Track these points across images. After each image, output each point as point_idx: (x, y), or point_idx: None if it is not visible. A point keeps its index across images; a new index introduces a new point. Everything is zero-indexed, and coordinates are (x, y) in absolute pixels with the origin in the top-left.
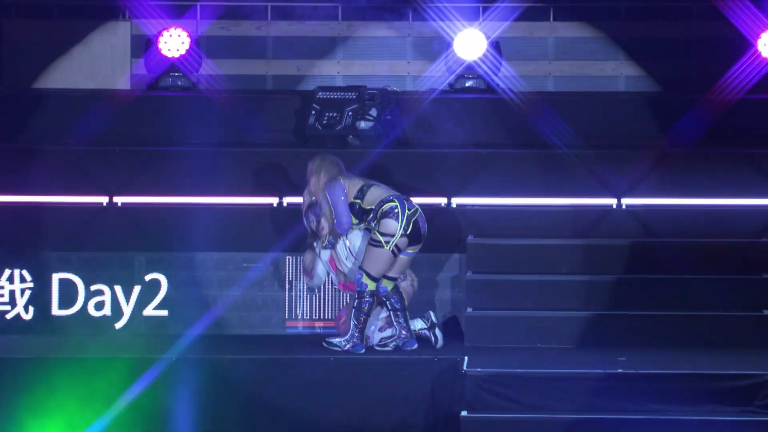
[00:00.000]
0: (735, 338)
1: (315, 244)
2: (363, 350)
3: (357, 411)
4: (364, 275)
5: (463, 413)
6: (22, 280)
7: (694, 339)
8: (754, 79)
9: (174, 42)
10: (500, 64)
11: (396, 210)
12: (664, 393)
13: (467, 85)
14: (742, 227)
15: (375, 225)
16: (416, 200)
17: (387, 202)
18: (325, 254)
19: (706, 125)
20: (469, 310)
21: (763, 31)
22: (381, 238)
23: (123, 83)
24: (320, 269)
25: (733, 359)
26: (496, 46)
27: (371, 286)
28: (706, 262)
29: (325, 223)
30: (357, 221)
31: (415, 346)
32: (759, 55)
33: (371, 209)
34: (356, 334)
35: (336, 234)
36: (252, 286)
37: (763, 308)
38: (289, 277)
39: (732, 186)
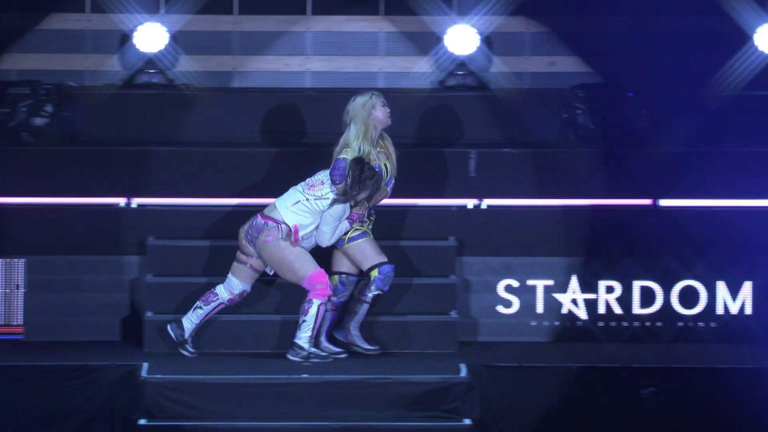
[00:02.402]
0: (419, 342)
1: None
2: None
3: (30, 421)
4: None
5: (142, 421)
6: None
7: (380, 343)
8: None
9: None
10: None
11: None
12: (349, 399)
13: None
14: (428, 227)
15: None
16: (95, 200)
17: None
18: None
19: None
20: (149, 314)
21: None
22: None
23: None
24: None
25: (418, 364)
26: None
27: None
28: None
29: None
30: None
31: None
32: None
33: None
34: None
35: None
36: None
37: (451, 311)
38: None
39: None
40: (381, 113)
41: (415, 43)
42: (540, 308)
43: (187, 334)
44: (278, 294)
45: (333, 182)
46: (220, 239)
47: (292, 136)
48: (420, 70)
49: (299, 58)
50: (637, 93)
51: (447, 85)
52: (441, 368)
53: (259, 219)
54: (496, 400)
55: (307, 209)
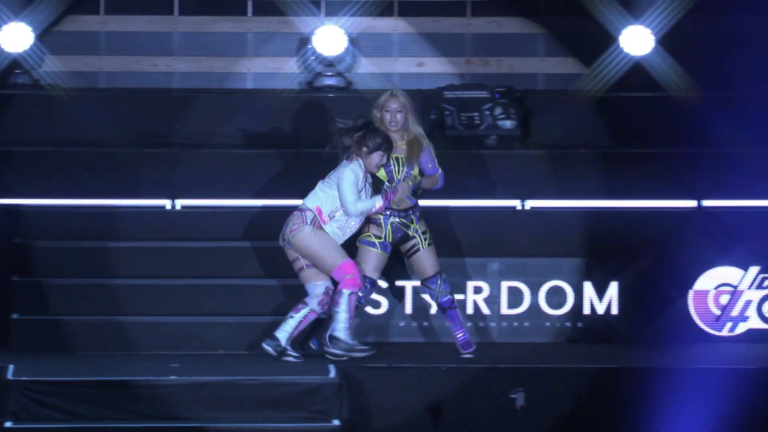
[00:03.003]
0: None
1: None
2: None
3: None
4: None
5: (8, 424)
6: None
7: (249, 344)
8: None
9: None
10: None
11: None
12: (218, 400)
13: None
14: None
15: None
16: None
17: None
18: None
19: None
20: (16, 315)
21: None
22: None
23: None
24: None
25: (290, 365)
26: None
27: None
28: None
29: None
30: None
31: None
32: None
33: None
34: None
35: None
36: None
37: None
38: None
39: None
40: (382, 115)
41: (284, 43)
42: (409, 309)
43: (284, 343)
44: (155, 296)
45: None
46: (87, 240)
47: (160, 137)
48: (289, 71)
49: (167, 59)
50: (504, 94)
51: (315, 85)
52: (310, 370)
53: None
54: (365, 401)
55: (327, 188)
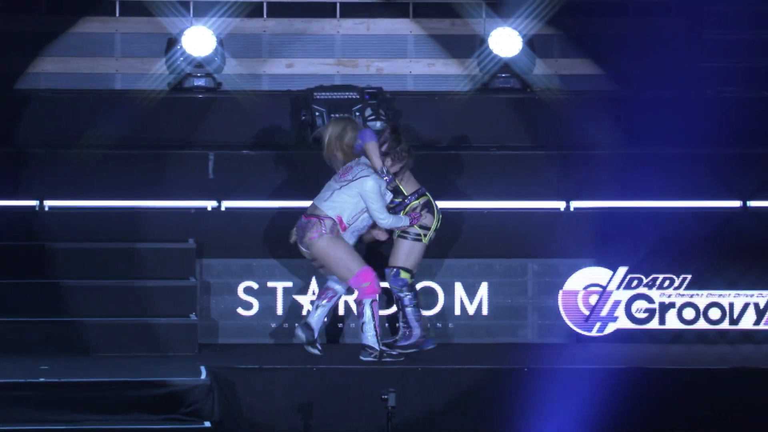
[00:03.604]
0: (160, 345)
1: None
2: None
3: None
4: (402, 271)
5: None
6: None
7: (120, 345)
8: None
9: None
10: None
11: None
12: (87, 401)
13: None
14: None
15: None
16: None
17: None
18: None
19: None
20: None
21: None
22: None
23: None
24: None
25: (160, 366)
26: None
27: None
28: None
29: None
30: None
31: (433, 345)
32: None
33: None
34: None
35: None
36: None
37: (191, 313)
38: None
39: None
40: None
41: (152, 45)
42: (280, 310)
43: (316, 335)
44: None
45: (363, 139)
46: None
47: (27, 138)
48: (157, 72)
49: (34, 60)
50: (374, 95)
51: (184, 86)
52: (181, 371)
53: (302, 219)
54: (236, 402)
55: (346, 196)
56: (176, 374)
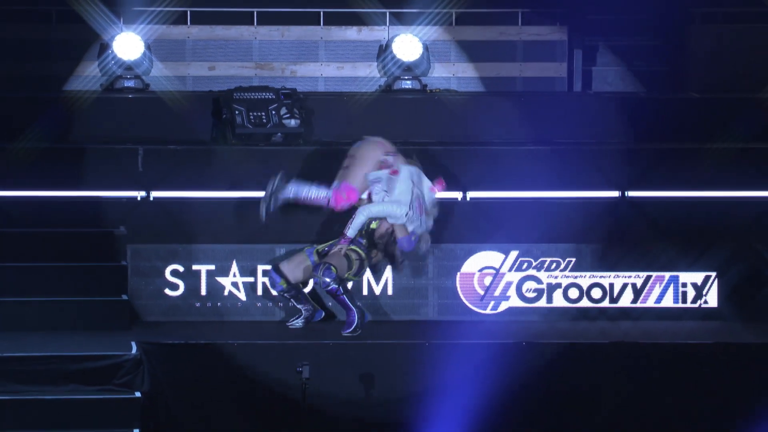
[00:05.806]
0: (96, 322)
1: None
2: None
3: None
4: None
5: None
6: None
7: (55, 323)
8: None
9: None
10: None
11: None
12: (26, 374)
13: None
14: (101, 218)
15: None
16: None
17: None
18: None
19: None
20: None
21: None
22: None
23: None
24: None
25: (94, 341)
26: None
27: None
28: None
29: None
30: None
31: (323, 315)
32: None
33: None
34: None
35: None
36: None
37: (122, 293)
38: None
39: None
40: None
41: (84, 49)
42: (204, 291)
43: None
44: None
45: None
46: None
47: None
48: (90, 75)
49: None
50: (288, 95)
51: (115, 87)
52: (113, 345)
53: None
54: (164, 375)
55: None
56: (109, 349)
